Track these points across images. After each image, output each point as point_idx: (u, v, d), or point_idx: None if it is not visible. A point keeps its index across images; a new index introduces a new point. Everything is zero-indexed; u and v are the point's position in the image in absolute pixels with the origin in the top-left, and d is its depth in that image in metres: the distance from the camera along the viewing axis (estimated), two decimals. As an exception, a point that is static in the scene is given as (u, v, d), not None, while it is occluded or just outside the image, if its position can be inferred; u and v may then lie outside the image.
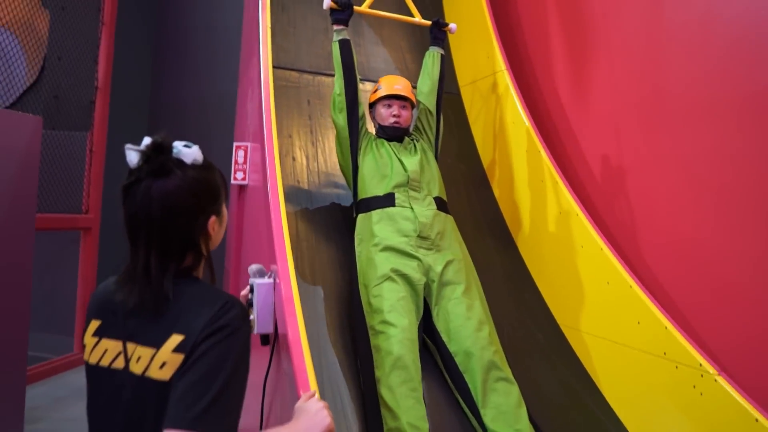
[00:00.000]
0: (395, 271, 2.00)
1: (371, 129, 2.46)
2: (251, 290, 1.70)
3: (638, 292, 1.98)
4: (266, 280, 1.72)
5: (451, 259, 2.11)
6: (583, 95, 2.73)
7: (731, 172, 1.96)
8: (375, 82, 2.53)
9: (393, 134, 2.33)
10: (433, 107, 2.44)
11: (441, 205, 2.24)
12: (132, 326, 1.03)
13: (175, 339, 0.97)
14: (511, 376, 1.94)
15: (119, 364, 1.01)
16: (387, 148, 2.28)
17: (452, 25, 2.60)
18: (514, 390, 1.90)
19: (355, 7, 2.43)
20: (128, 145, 1.05)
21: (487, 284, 2.24)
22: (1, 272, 2.57)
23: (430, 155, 2.37)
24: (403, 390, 1.80)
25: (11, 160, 2.83)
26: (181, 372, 0.95)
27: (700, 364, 1.73)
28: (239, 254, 2.61)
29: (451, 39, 3.26)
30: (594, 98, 2.66)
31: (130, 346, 1.01)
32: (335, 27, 2.35)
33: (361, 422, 1.79)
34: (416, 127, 2.47)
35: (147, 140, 1.06)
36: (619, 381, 2.05)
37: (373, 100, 2.42)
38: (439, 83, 2.46)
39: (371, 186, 2.21)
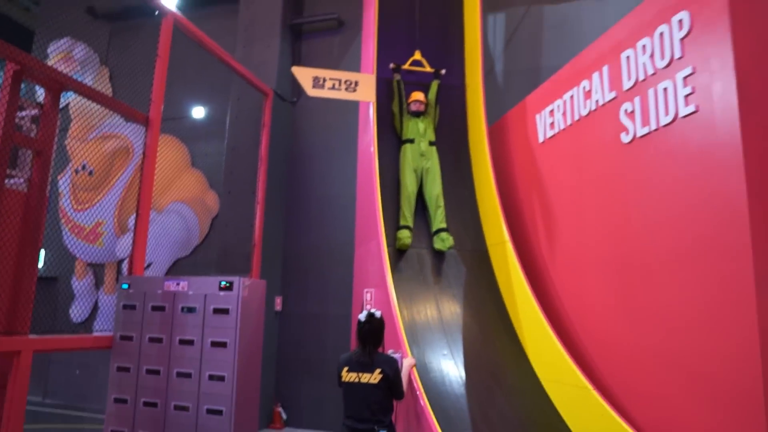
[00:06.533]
0: (411, 166, 5.50)
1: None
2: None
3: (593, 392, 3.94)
4: (397, 354, 3.80)
5: (432, 164, 5.55)
6: (554, 256, 4.81)
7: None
8: None
9: (415, 115, 5.81)
10: (434, 103, 5.94)
11: (431, 143, 5.68)
12: (359, 367, 3.26)
13: (378, 370, 3.23)
14: (442, 205, 5.38)
15: (355, 380, 3.26)
16: (414, 120, 5.77)
17: (443, 71, 6.10)
18: (442, 212, 5.36)
19: (402, 66, 6.08)
20: (361, 316, 3.35)
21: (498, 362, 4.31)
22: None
23: (432, 124, 5.82)
24: (407, 208, 5.36)
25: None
26: (386, 382, 3.19)
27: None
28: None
29: (482, 215, 5.48)
30: (559, 255, 4.73)
31: (359, 374, 3.25)
32: (394, 74, 5.99)
33: (397, 220, 5.40)
34: (426, 112, 5.86)
35: (366, 313, 3.38)
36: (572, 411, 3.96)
37: (408, 101, 5.87)
38: (437, 93, 5.97)
39: (406, 134, 5.72)
